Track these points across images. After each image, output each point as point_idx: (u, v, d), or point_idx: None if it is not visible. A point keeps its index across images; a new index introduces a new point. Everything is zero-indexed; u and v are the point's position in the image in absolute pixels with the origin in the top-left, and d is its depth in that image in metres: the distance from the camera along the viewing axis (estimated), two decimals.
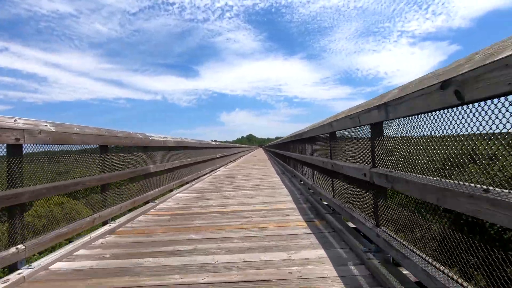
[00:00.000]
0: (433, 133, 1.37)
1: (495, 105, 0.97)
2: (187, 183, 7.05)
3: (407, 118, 1.62)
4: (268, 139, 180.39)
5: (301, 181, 6.32)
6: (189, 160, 7.32)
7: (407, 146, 1.63)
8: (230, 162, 16.45)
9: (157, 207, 4.67)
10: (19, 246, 2.11)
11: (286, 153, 9.89)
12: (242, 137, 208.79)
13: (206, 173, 9.38)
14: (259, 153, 34.36)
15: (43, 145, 2.38)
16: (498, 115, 0.96)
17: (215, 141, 15.96)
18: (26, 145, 2.21)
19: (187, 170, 7.17)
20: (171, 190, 5.93)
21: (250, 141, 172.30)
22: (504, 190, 0.98)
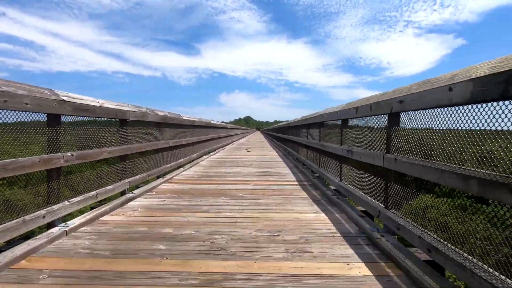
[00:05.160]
0: None
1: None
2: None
3: None
4: (267, 123, 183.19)
5: None
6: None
7: None
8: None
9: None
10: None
11: None
12: (240, 118, 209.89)
13: None
14: (258, 140, 22.97)
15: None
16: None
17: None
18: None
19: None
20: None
21: (247, 123, 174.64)
22: None
